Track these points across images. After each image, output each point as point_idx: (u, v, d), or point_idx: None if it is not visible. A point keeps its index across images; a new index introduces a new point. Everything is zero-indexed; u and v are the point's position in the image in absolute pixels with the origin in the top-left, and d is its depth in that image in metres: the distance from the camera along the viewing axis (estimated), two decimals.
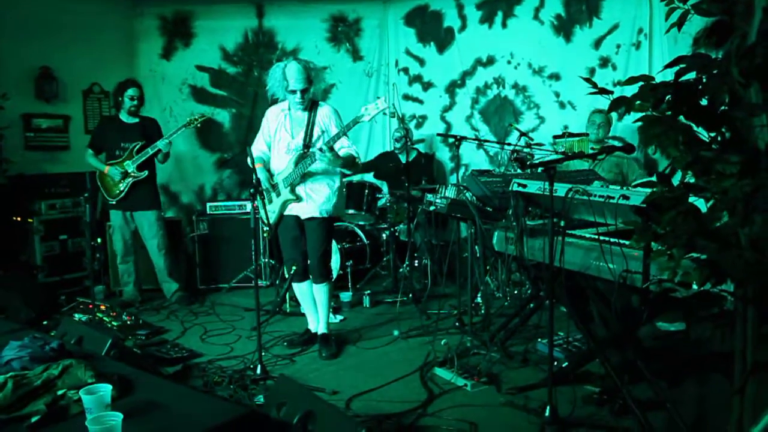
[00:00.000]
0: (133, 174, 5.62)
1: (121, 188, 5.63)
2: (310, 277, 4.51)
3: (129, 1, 7.12)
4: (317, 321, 4.66)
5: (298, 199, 4.35)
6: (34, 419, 2.13)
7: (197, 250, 6.42)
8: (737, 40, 1.77)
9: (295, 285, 4.66)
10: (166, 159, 5.75)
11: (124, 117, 5.77)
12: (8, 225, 5.92)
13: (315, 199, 4.37)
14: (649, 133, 1.91)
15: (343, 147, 4.29)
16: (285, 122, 4.44)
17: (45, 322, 4.78)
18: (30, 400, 2.22)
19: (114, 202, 5.67)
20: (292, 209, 4.40)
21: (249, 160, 4.31)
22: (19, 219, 5.97)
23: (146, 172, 5.65)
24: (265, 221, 4.34)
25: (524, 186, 3.65)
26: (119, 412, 2.02)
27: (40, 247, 5.93)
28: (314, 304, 4.62)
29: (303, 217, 4.41)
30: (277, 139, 4.47)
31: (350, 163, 4.32)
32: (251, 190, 4.04)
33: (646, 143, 1.92)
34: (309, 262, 4.49)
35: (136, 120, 5.78)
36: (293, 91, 4.26)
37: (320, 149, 4.11)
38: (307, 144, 4.32)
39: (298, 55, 7.34)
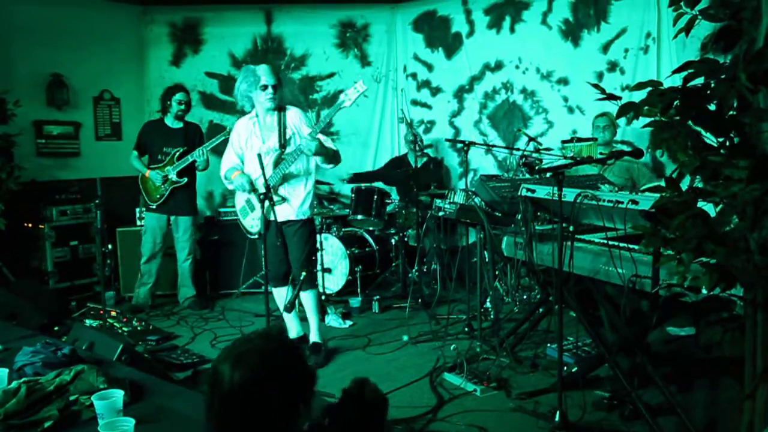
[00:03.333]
0: (173, 180, 5.69)
1: (162, 193, 5.71)
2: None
3: (139, 9, 7.18)
4: (297, 327, 4.67)
5: (283, 200, 4.33)
6: (47, 424, 2.15)
7: (207, 256, 6.44)
8: (745, 45, 1.77)
9: (274, 290, 4.61)
10: (206, 167, 5.83)
11: (168, 121, 5.87)
12: (20, 231, 5.96)
13: (292, 202, 4.37)
14: (658, 137, 1.91)
15: (323, 141, 4.30)
16: (255, 129, 4.46)
17: (56, 328, 4.79)
18: (43, 406, 2.24)
19: (154, 206, 5.75)
20: (272, 213, 4.31)
21: (226, 182, 4.51)
22: (30, 225, 6.02)
23: (186, 179, 5.74)
24: (245, 228, 4.53)
25: (533, 191, 3.65)
26: (131, 418, 2.04)
27: (51, 253, 5.98)
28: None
29: (279, 219, 4.34)
30: (248, 147, 4.48)
31: (332, 155, 4.34)
32: (260, 196, 4.07)
33: (655, 147, 1.92)
34: (292, 268, 4.43)
35: (180, 125, 5.88)
36: (264, 87, 4.30)
37: (310, 134, 4.15)
38: (283, 144, 4.34)
39: (306, 61, 7.40)
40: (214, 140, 5.71)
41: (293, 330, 4.71)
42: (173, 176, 5.69)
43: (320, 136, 4.26)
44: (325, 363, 4.41)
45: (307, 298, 4.47)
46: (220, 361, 1.63)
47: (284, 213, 4.36)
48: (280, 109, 4.44)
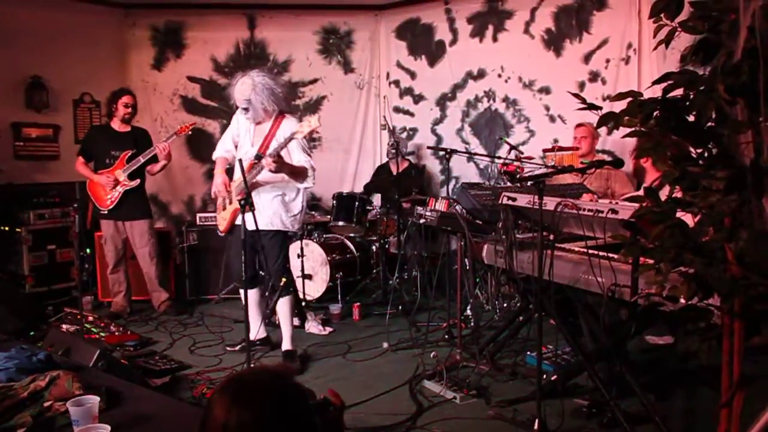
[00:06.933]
0: (124, 182, 5.60)
1: (113, 197, 5.61)
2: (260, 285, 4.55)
3: (121, 12, 7.13)
4: (262, 329, 4.69)
5: (250, 207, 4.29)
6: (20, 431, 2.11)
7: (186, 261, 6.39)
8: (723, 58, 1.79)
9: (249, 291, 4.56)
10: (163, 168, 5.75)
11: (115, 126, 5.77)
12: None
13: (263, 211, 4.32)
14: (643, 147, 1.93)
15: (295, 159, 4.29)
16: (250, 129, 4.47)
17: (32, 333, 4.73)
18: (16, 412, 2.21)
19: (106, 212, 5.64)
20: (241, 218, 4.19)
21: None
22: (6, 228, 5.94)
23: (138, 181, 5.65)
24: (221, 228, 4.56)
25: (514, 199, 3.67)
26: (107, 424, 2.01)
27: (28, 257, 5.90)
28: (259, 312, 4.61)
29: (251, 228, 4.31)
30: (240, 144, 4.51)
31: (298, 172, 4.29)
32: (241, 202, 4.03)
33: (638, 156, 1.94)
34: (267, 276, 4.44)
35: (128, 129, 5.78)
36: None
37: (268, 155, 4.10)
38: (260, 155, 4.32)
39: (289, 67, 7.38)
40: (170, 137, 5.66)
41: (257, 331, 4.67)
42: (124, 179, 5.59)
43: (286, 153, 4.22)
44: (302, 370, 4.39)
45: (282, 304, 4.46)
46: (218, 392, 1.43)
47: (256, 221, 4.32)
48: (278, 117, 4.40)
